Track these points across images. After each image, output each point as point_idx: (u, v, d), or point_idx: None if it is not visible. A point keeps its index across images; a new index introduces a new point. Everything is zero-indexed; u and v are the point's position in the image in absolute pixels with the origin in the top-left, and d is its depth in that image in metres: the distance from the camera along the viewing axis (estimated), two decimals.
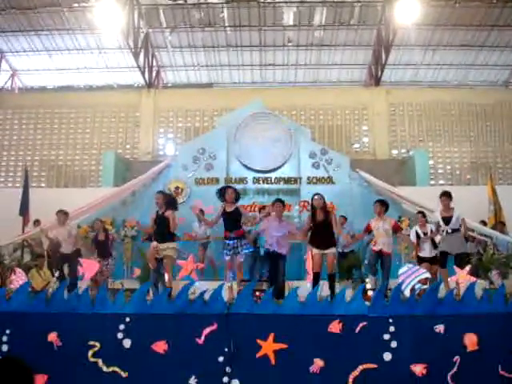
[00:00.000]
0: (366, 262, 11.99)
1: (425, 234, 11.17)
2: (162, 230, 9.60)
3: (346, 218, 13.10)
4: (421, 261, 10.73)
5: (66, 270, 11.28)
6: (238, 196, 10.10)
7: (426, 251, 11.07)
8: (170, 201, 9.91)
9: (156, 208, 9.90)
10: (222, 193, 10.07)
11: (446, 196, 10.05)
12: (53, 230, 11.82)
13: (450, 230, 9.80)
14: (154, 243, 9.39)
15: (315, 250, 9.61)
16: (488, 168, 18.79)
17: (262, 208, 11.66)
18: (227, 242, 9.79)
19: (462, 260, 9.24)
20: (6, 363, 2.33)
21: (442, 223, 9.92)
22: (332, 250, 9.61)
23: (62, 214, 11.72)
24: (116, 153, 18.80)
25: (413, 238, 11.39)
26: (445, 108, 20.84)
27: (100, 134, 21.04)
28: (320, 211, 9.65)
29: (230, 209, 9.85)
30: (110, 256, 12.08)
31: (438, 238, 10.66)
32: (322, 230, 9.63)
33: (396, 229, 10.62)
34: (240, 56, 21.58)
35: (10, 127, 21.32)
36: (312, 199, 9.92)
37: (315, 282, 9.14)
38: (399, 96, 21.09)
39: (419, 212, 12.02)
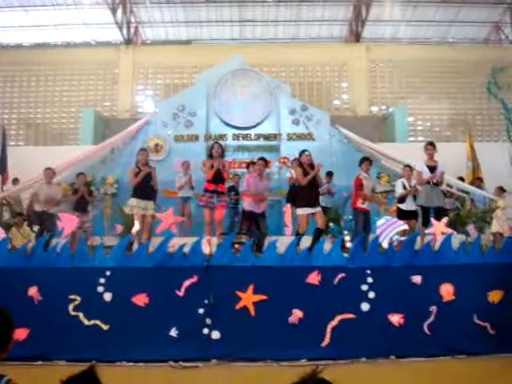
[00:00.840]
0: (345, 217, 12.06)
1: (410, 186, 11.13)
2: (145, 187, 9.62)
3: (331, 174, 12.98)
4: (401, 213, 10.63)
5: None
6: (223, 151, 10.08)
7: (408, 204, 10.97)
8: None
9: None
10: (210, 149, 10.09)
11: (432, 146, 10.02)
12: (41, 191, 11.56)
13: (434, 181, 9.75)
14: None
15: (302, 210, 9.25)
16: (467, 125, 18.84)
17: (251, 163, 11.48)
18: (210, 194, 9.76)
19: (439, 213, 9.28)
20: None
21: (427, 171, 9.83)
22: (319, 209, 9.35)
23: (50, 172, 11.56)
24: (95, 110, 18.59)
25: (399, 189, 11.26)
26: (425, 65, 20.76)
27: (78, 91, 20.75)
28: (308, 168, 9.53)
29: (216, 164, 9.82)
30: (88, 212, 11.96)
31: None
32: (309, 187, 9.42)
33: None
34: (219, 12, 21.26)
35: None
36: (300, 156, 9.81)
37: (299, 241, 8.97)
38: (379, 53, 20.97)
39: (406, 165, 11.86)
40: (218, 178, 9.68)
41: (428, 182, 9.64)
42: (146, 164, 9.71)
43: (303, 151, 9.72)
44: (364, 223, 10.35)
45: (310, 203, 9.16)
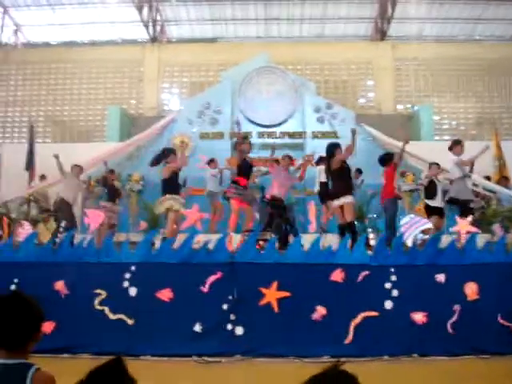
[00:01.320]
0: (370, 216, 12.04)
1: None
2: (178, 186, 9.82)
3: (360, 171, 12.91)
4: (429, 210, 10.51)
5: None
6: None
7: (437, 200, 10.80)
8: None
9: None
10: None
11: (461, 144, 10.05)
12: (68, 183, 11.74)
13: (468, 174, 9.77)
14: None
15: (334, 203, 9.22)
16: (493, 123, 18.68)
17: (276, 161, 11.53)
18: (241, 186, 9.89)
19: (465, 208, 9.24)
20: (15, 297, 2.39)
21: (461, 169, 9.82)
22: (348, 199, 9.05)
23: (78, 168, 11.74)
24: (121, 108, 18.74)
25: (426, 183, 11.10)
26: (451, 63, 20.65)
27: (105, 89, 20.96)
28: (334, 160, 9.33)
29: (250, 159, 10.08)
30: (116, 203, 12.13)
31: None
32: (337, 177, 9.27)
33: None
34: (245, 10, 21.31)
35: (14, 83, 21.25)
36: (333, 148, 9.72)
37: (342, 234, 8.88)
38: (405, 51, 20.88)
39: (435, 163, 11.71)
40: (247, 172, 9.90)
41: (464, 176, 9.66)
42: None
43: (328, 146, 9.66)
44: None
45: (339, 193, 9.10)
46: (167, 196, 9.40)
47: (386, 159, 10.56)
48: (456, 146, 10.09)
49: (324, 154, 9.74)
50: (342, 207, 9.06)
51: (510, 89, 20.48)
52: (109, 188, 12.10)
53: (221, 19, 21.83)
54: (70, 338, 5.97)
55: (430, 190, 10.90)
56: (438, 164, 11.01)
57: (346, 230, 8.85)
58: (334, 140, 14.62)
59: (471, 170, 10.37)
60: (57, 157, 11.27)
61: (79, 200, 12.21)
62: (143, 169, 14.55)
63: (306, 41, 22.30)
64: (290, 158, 10.72)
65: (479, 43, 21.96)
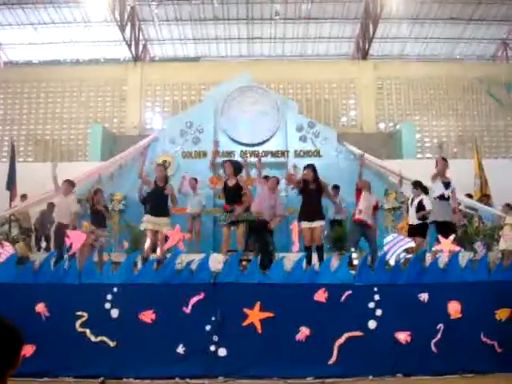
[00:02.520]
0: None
1: (412, 201, 11.10)
2: (160, 203, 9.69)
3: (338, 188, 12.96)
4: (410, 229, 10.58)
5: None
6: (237, 168, 10.10)
7: (410, 218, 10.93)
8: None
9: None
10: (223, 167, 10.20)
11: (446, 161, 10.02)
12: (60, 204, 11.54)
13: (446, 196, 9.74)
14: None
15: (304, 224, 9.39)
16: (474, 142, 18.80)
17: (265, 178, 11.47)
18: (226, 213, 9.81)
19: (446, 228, 9.23)
20: None
21: (441, 186, 9.80)
22: (320, 223, 9.40)
23: (68, 184, 11.47)
24: (103, 127, 18.68)
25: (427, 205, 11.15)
26: (432, 82, 20.83)
27: (87, 108, 20.90)
28: (311, 183, 9.52)
29: (231, 182, 9.88)
30: (106, 227, 11.97)
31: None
32: (312, 199, 9.46)
33: (376, 208, 10.72)
34: (227, 29, 21.43)
35: None
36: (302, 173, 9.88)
37: (309, 256, 9.01)
38: (386, 70, 21.04)
39: (415, 181, 11.78)
40: (231, 197, 9.83)
41: (441, 197, 9.65)
42: (163, 179, 9.76)
43: (304, 168, 9.84)
44: (365, 238, 10.37)
45: (310, 216, 9.29)
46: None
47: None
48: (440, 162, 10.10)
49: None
50: (312, 229, 9.22)
51: (489, 107, 20.67)
52: (91, 211, 11.92)
53: (203, 38, 21.92)
54: (51, 361, 5.88)
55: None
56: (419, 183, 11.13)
57: (317, 252, 9.08)
58: (316, 159, 14.84)
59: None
60: (54, 166, 11.10)
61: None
62: (125, 188, 14.51)
63: (289, 60, 22.44)
64: (278, 181, 10.70)
65: (460, 62, 22.22)
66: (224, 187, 10.04)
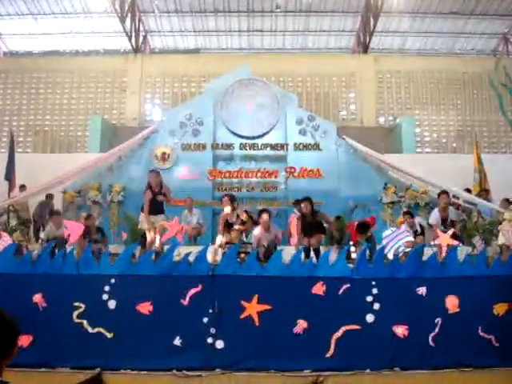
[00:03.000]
0: None
1: (415, 232, 11.18)
2: (157, 205, 10.02)
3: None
4: None
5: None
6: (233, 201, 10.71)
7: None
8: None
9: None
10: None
11: (446, 195, 10.04)
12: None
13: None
14: None
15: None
16: (474, 136, 18.77)
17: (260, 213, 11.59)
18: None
19: (445, 224, 9.30)
20: None
21: (439, 225, 9.86)
22: (319, 235, 10.07)
23: (59, 218, 11.36)
24: (103, 118, 18.67)
25: (433, 220, 11.20)
26: (432, 76, 20.82)
27: (86, 99, 20.87)
28: (309, 216, 10.03)
29: (231, 219, 10.54)
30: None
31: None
32: (311, 230, 9.99)
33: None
34: (228, 22, 21.38)
35: None
36: (300, 206, 10.34)
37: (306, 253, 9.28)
38: (387, 64, 21.02)
39: (406, 212, 11.96)
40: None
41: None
42: (158, 184, 9.95)
43: (301, 202, 10.23)
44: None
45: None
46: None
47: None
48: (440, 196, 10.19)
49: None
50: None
51: (489, 102, 20.65)
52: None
53: (204, 30, 21.87)
54: (48, 352, 5.87)
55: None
56: (446, 193, 11.25)
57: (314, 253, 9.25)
58: (316, 152, 14.86)
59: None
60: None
61: None
62: (124, 179, 14.51)
63: (289, 53, 22.40)
64: (269, 212, 11.16)
65: (460, 57, 22.20)
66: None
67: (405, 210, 12.24)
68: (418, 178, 13.85)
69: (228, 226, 10.31)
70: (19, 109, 20.85)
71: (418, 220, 11.25)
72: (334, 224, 11.29)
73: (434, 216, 10.08)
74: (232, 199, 10.67)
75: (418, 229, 11.12)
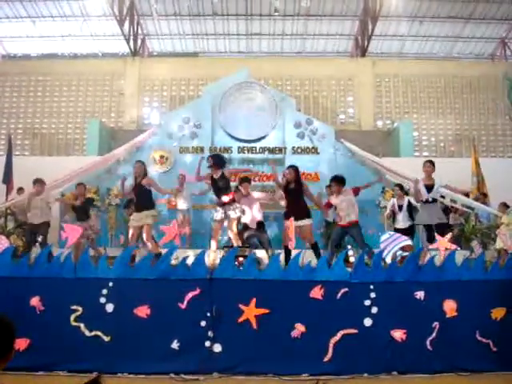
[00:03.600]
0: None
1: (400, 206, 11.26)
2: (142, 199, 9.86)
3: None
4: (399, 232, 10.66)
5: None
6: (218, 161, 10.04)
7: (400, 222, 11.17)
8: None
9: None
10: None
11: (430, 163, 10.05)
12: (33, 202, 11.65)
13: (430, 199, 9.82)
14: None
15: (287, 222, 9.23)
16: (472, 140, 18.81)
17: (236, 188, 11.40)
18: (218, 208, 9.96)
19: (443, 229, 9.27)
20: None
21: (425, 191, 9.88)
22: (306, 222, 9.70)
23: (40, 184, 11.62)
24: (101, 121, 18.68)
25: (389, 208, 11.55)
26: (430, 80, 20.87)
27: (84, 102, 20.89)
28: (292, 183, 9.85)
29: (216, 175, 9.92)
30: (88, 218, 12.05)
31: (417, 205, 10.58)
32: (294, 199, 9.81)
33: (356, 191, 10.39)
34: (226, 25, 21.42)
35: None
36: (284, 173, 10.20)
37: (287, 256, 9.05)
38: (385, 67, 21.05)
39: (397, 184, 12.13)
40: (218, 190, 9.97)
41: (426, 201, 9.74)
42: (142, 176, 9.83)
43: (287, 168, 10.16)
44: (352, 237, 10.26)
45: (295, 215, 9.16)
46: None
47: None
48: (424, 165, 10.16)
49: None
50: (300, 228, 9.38)
51: (487, 106, 20.70)
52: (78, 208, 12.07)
53: (202, 34, 21.91)
54: (46, 355, 5.85)
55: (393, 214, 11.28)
56: (400, 185, 11.49)
57: (313, 250, 9.17)
58: (314, 156, 14.88)
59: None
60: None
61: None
62: None
63: (287, 56, 22.45)
64: (248, 181, 10.94)
65: (458, 61, 22.25)
66: (212, 182, 10.14)
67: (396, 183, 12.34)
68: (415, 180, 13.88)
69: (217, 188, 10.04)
70: (17, 111, 20.88)
71: (408, 199, 11.34)
72: (316, 200, 11.04)
73: (419, 183, 10.08)
74: (216, 160, 10.10)
75: (405, 204, 11.18)
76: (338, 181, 10.12)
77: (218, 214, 9.85)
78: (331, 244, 9.89)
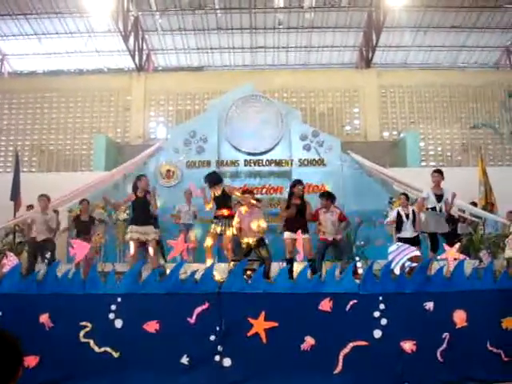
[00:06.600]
0: (358, 243, 12.09)
1: (406, 215, 11.22)
2: (144, 213, 9.82)
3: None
4: (401, 242, 10.63)
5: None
6: (211, 180, 10.52)
7: (407, 232, 11.11)
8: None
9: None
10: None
11: (438, 173, 10.05)
12: (37, 219, 11.68)
13: (439, 208, 9.82)
14: None
15: (287, 234, 9.86)
16: (478, 149, 18.79)
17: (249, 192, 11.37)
18: (216, 220, 10.16)
19: (451, 238, 9.27)
20: None
21: (434, 199, 9.88)
22: (307, 236, 9.85)
23: (45, 199, 11.65)
24: (107, 137, 18.72)
25: (392, 218, 11.53)
26: (436, 90, 20.85)
27: (91, 118, 20.95)
28: (296, 197, 10.09)
29: (217, 192, 10.35)
30: (90, 236, 12.07)
31: (422, 217, 10.56)
32: (299, 213, 9.97)
33: (341, 219, 10.56)
34: (231, 39, 21.49)
35: None
36: (293, 186, 10.32)
37: (290, 268, 9.13)
38: (390, 78, 21.06)
39: (402, 193, 12.12)
40: (220, 204, 10.38)
41: (433, 209, 9.74)
42: (144, 191, 9.84)
43: (297, 183, 10.27)
44: (336, 251, 10.54)
45: (295, 228, 9.43)
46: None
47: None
48: (432, 174, 10.20)
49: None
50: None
51: (493, 115, 20.67)
52: (81, 224, 12.12)
53: (207, 48, 21.99)
54: (55, 372, 5.85)
55: (397, 223, 11.23)
56: (405, 194, 11.51)
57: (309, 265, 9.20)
58: (320, 168, 14.87)
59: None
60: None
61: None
62: None
63: (292, 69, 22.48)
64: (251, 192, 10.95)
65: (463, 70, 22.25)
66: (214, 198, 10.53)
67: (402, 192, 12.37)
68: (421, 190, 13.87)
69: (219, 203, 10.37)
70: (24, 128, 20.95)
71: (412, 209, 11.30)
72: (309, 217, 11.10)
73: (426, 192, 10.13)
74: (211, 179, 10.59)
75: (410, 212, 11.13)
76: (326, 197, 10.52)
77: (218, 227, 10.10)
78: (318, 255, 10.19)
